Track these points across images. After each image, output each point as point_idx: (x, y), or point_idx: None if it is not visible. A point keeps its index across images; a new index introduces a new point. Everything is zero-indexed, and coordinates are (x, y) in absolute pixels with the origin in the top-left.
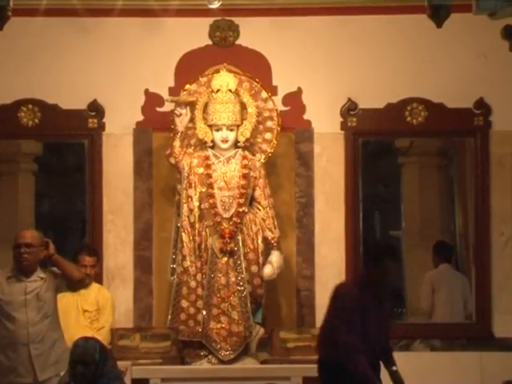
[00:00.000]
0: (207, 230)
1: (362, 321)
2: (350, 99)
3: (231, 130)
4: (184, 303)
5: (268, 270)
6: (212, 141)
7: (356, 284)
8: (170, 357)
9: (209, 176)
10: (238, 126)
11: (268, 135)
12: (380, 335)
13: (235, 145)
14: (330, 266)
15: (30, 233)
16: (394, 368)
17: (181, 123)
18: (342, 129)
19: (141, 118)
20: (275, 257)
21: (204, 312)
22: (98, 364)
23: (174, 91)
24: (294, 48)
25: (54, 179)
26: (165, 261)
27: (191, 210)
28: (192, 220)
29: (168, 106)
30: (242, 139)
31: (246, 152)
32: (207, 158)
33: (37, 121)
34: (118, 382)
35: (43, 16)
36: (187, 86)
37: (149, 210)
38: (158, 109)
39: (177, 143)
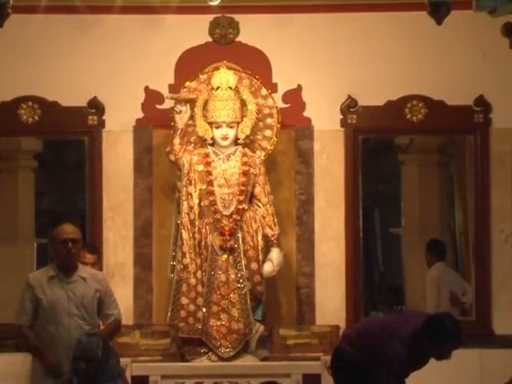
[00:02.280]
0: (207, 227)
1: None
2: (349, 96)
3: (231, 127)
4: (184, 300)
5: (268, 268)
6: (212, 138)
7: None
8: (170, 354)
9: (209, 173)
10: (238, 123)
11: (268, 132)
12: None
13: (235, 142)
14: (330, 263)
15: (73, 227)
16: None
17: (181, 120)
18: (341, 126)
19: (141, 115)
20: (275, 254)
21: (204, 309)
22: (101, 361)
23: (173, 88)
24: (294, 45)
25: (54, 176)
26: (165, 258)
27: (191, 208)
28: (192, 217)
29: (168, 104)
30: (241, 136)
31: (246, 149)
32: (207, 155)
33: (37, 118)
34: (120, 380)
35: (43, 13)
36: (187, 84)
37: (149, 207)
38: (158, 106)
39: (177, 140)
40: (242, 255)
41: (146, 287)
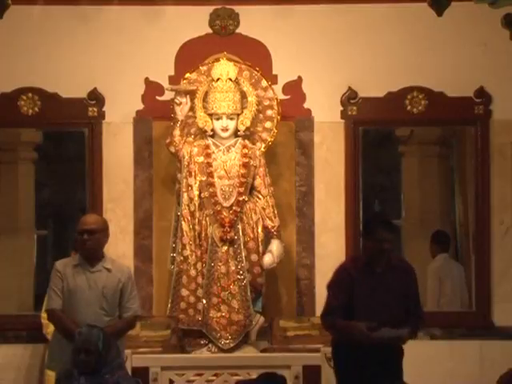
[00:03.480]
0: (207, 218)
1: (351, 292)
2: (350, 88)
3: (231, 119)
4: (184, 292)
5: (268, 259)
6: (212, 130)
7: (353, 257)
8: (170, 345)
9: (209, 165)
10: (238, 114)
11: (268, 124)
12: (379, 306)
13: (235, 134)
14: (330, 254)
15: (94, 218)
16: (400, 330)
17: (181, 112)
18: (342, 118)
19: (141, 106)
20: (275, 246)
21: (204, 301)
22: (101, 353)
23: (174, 80)
24: (295, 37)
25: (54, 168)
26: (165, 250)
27: (191, 199)
28: (192, 209)
29: (168, 95)
30: (242, 128)
31: (246, 141)
32: (207, 146)
33: (37, 109)
34: (121, 371)
35: (43, 4)
36: (187, 75)
37: (149, 198)
38: (158, 97)
39: (177, 132)
40: (242, 247)
41: (146, 279)
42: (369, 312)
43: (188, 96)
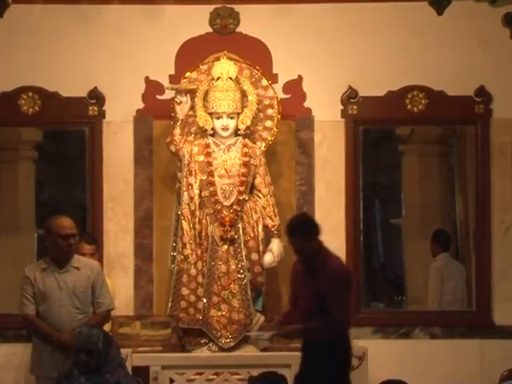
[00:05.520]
0: (207, 217)
1: (293, 290)
2: (350, 87)
3: (231, 118)
4: (184, 291)
5: (268, 258)
6: (212, 128)
7: None
8: (171, 344)
9: (209, 164)
10: (239, 113)
11: (268, 123)
12: (299, 303)
13: (236, 133)
14: None
15: (71, 221)
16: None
17: (181, 111)
18: (342, 116)
19: (141, 105)
20: (275, 245)
21: (204, 300)
22: (101, 352)
23: (174, 79)
24: (295, 36)
25: (54, 167)
26: (165, 249)
27: (191, 198)
28: (192, 208)
29: (168, 94)
30: (242, 127)
31: (247, 140)
32: (207, 145)
33: (37, 108)
34: (121, 370)
35: (43, 3)
36: (187, 74)
37: (149, 197)
38: (159, 96)
39: (177, 131)
40: (243, 246)
41: (146, 278)
42: (293, 307)
43: (188, 95)
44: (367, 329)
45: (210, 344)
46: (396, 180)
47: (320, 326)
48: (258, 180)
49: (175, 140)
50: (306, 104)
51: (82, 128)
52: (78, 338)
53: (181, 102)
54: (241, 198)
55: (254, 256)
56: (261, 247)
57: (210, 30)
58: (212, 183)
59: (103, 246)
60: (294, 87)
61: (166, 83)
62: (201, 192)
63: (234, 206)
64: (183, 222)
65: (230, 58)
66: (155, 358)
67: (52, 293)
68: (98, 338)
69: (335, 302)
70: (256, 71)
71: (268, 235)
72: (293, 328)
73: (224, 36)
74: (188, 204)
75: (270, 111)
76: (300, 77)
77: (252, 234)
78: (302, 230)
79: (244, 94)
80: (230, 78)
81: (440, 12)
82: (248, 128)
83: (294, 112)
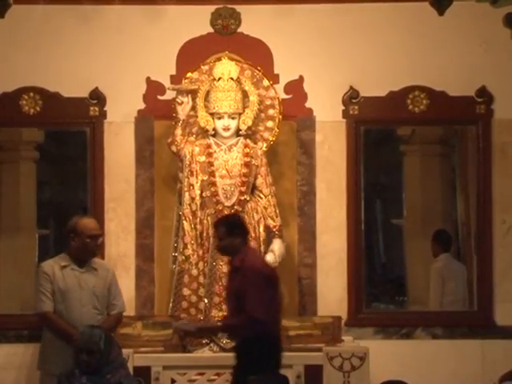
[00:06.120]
0: (209, 218)
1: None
2: (351, 87)
3: (233, 118)
4: (186, 291)
5: (270, 259)
6: (214, 129)
7: None
8: (172, 345)
9: (210, 164)
10: (240, 114)
11: (270, 123)
12: (227, 300)
13: (237, 133)
14: (332, 254)
15: (96, 222)
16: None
17: (182, 111)
18: (343, 117)
19: (142, 106)
20: (277, 245)
21: (206, 300)
22: (103, 352)
23: (175, 79)
24: (296, 36)
25: (56, 167)
26: (166, 249)
27: (193, 199)
28: (194, 208)
29: (170, 94)
30: (243, 127)
31: (248, 140)
32: (209, 146)
33: (38, 109)
34: (123, 371)
35: (44, 3)
36: (189, 74)
37: (150, 198)
38: (160, 97)
39: (178, 131)
40: None
41: (147, 278)
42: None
43: (189, 95)
44: (368, 329)
45: (212, 344)
46: (397, 180)
47: (238, 324)
48: (260, 180)
49: (176, 140)
50: (308, 104)
51: (83, 128)
52: (79, 338)
53: (182, 102)
54: (242, 198)
55: None
56: (262, 248)
57: (212, 31)
58: (213, 183)
59: (104, 246)
60: (296, 87)
61: (167, 83)
62: (202, 192)
63: (236, 207)
64: (184, 222)
65: (232, 59)
66: (157, 359)
67: (73, 292)
68: (99, 337)
69: (252, 301)
70: (257, 71)
71: (269, 236)
72: (214, 324)
73: (225, 36)
74: (189, 204)
75: (271, 111)
76: (301, 77)
77: (253, 235)
78: (225, 222)
79: (245, 95)
80: (232, 79)
81: (441, 12)
82: (249, 128)
83: (296, 112)
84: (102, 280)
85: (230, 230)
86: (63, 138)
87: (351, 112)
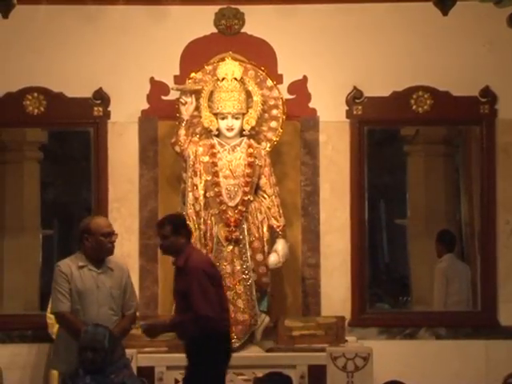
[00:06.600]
0: (212, 218)
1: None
2: (355, 87)
3: (236, 119)
4: None
5: (273, 259)
6: (217, 129)
7: None
8: (176, 345)
9: (214, 164)
10: (244, 114)
11: (273, 123)
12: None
13: (241, 133)
14: (335, 254)
15: (108, 220)
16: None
17: (186, 111)
18: (347, 117)
19: (146, 106)
20: (280, 245)
21: None
22: (107, 351)
23: (179, 79)
24: (300, 36)
25: (60, 167)
26: None
27: (196, 199)
28: (197, 208)
29: (173, 95)
30: (247, 127)
31: (252, 140)
32: (212, 146)
33: (42, 109)
34: (126, 371)
35: (48, 4)
36: (192, 75)
37: (154, 198)
38: (164, 97)
39: (182, 131)
40: (248, 246)
41: (151, 278)
42: None
43: (193, 95)
44: (372, 329)
45: None
46: (401, 180)
47: (186, 321)
48: (263, 180)
49: (180, 140)
50: (311, 104)
51: (86, 129)
52: (83, 337)
53: (186, 102)
54: (246, 198)
55: (259, 257)
56: (266, 248)
57: (215, 31)
58: (217, 184)
59: None
60: (299, 88)
61: (170, 84)
62: (206, 192)
63: (239, 207)
64: (188, 222)
65: (235, 59)
66: (160, 359)
67: (90, 293)
68: (103, 336)
69: (197, 299)
70: (261, 72)
71: (273, 236)
72: (161, 322)
73: (229, 36)
74: (193, 204)
75: (274, 112)
76: (305, 77)
77: (257, 235)
78: (172, 221)
79: (249, 95)
80: (235, 79)
81: (445, 12)
82: (253, 128)
83: (299, 112)
84: (117, 280)
85: (176, 228)
86: (67, 138)
87: (355, 112)
